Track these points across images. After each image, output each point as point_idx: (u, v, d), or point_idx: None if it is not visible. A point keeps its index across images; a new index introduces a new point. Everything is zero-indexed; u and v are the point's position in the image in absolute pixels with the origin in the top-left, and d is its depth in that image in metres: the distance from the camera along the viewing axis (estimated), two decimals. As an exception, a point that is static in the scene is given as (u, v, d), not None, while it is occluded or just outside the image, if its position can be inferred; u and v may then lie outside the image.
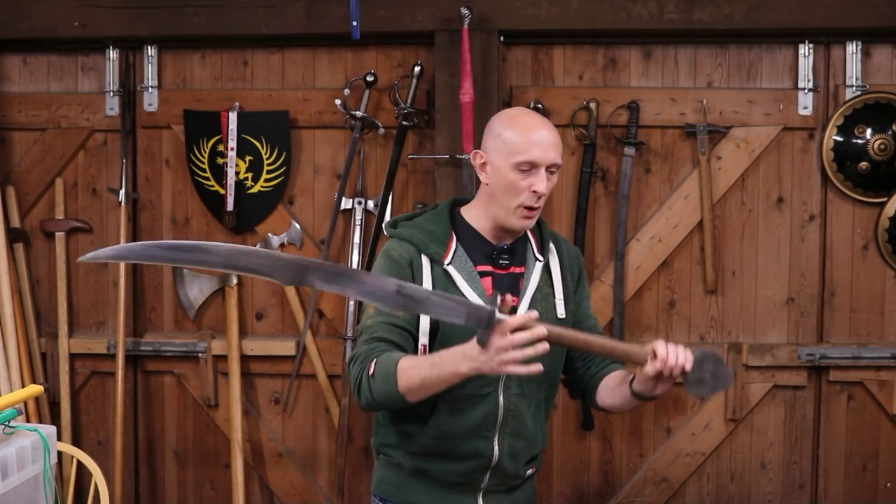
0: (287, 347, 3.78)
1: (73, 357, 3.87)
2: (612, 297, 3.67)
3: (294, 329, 3.83)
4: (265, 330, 3.87)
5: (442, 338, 2.12)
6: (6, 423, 2.62)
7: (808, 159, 3.65)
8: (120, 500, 3.74)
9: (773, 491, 3.72)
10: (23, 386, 3.66)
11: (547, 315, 2.19)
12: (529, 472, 2.31)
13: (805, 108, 3.60)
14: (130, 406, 3.87)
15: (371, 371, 2.07)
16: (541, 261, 2.25)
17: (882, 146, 3.57)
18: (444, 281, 2.16)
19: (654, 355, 1.95)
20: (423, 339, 2.15)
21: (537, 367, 1.91)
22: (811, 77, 3.58)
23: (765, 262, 3.68)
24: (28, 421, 3.57)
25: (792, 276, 3.67)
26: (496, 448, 2.20)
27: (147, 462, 3.94)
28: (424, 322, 2.15)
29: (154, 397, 3.93)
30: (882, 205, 3.61)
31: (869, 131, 3.58)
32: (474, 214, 2.24)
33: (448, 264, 2.16)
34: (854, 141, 3.58)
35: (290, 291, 3.78)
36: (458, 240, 2.21)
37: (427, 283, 2.15)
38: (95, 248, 3.95)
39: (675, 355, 1.95)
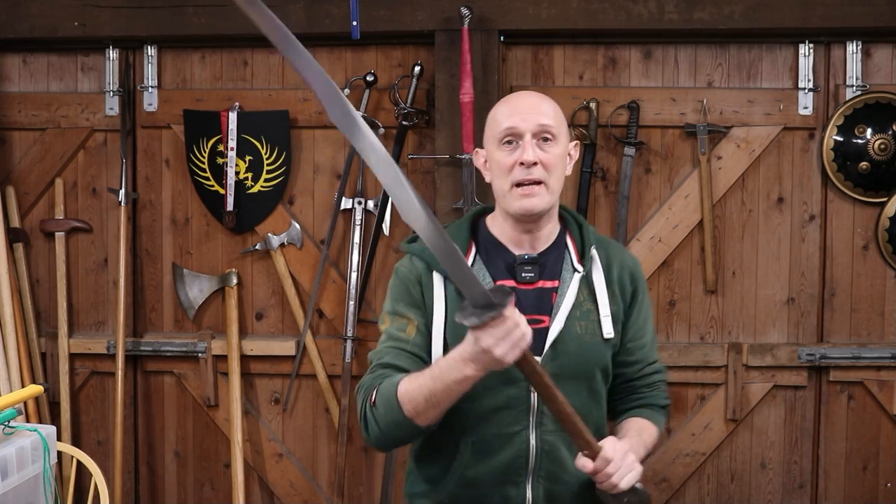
0: (287, 347, 3.78)
1: (72, 357, 3.87)
2: (612, 297, 3.67)
3: (294, 329, 3.83)
4: (265, 330, 3.87)
5: None
6: (6, 423, 2.62)
7: (809, 159, 3.64)
8: (120, 500, 3.74)
9: (773, 491, 3.72)
10: (23, 386, 3.66)
11: (591, 335, 1.98)
12: None
13: (805, 107, 3.60)
14: (130, 406, 3.87)
15: (373, 399, 1.88)
16: (580, 272, 2.00)
17: (882, 146, 3.57)
18: (457, 300, 1.90)
19: (600, 458, 1.86)
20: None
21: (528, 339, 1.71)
22: (811, 77, 3.58)
23: (765, 262, 3.68)
24: (28, 421, 3.57)
25: (792, 276, 3.67)
26: (529, 494, 1.96)
27: (147, 462, 3.94)
28: (437, 344, 1.95)
29: (154, 397, 3.93)
30: (882, 205, 3.61)
31: (869, 131, 3.57)
32: (496, 222, 2.03)
33: None
34: (854, 141, 3.58)
35: (290, 291, 3.78)
36: (477, 252, 2.00)
37: (439, 302, 1.95)
38: (95, 249, 3.99)
39: (614, 470, 1.86)
